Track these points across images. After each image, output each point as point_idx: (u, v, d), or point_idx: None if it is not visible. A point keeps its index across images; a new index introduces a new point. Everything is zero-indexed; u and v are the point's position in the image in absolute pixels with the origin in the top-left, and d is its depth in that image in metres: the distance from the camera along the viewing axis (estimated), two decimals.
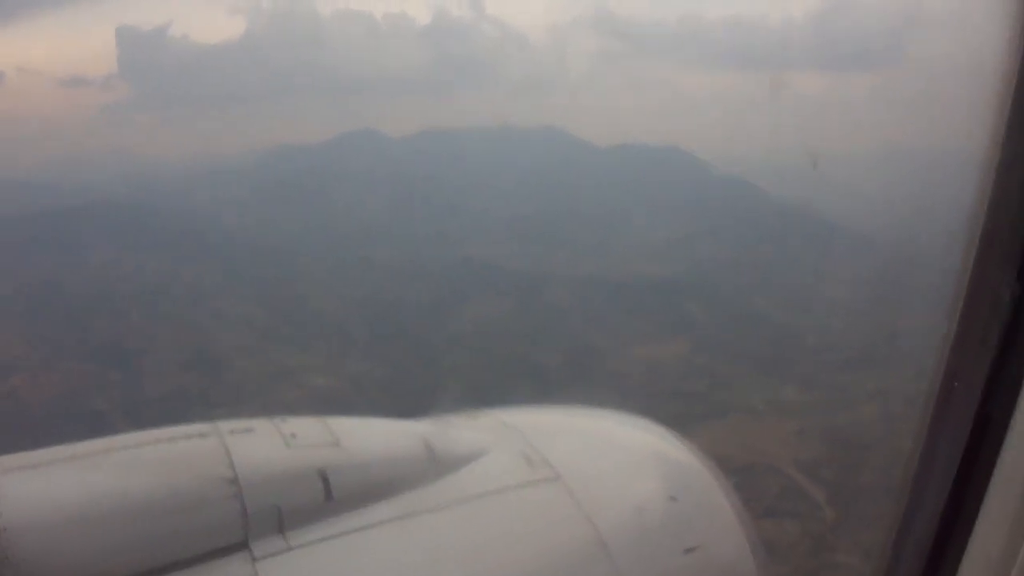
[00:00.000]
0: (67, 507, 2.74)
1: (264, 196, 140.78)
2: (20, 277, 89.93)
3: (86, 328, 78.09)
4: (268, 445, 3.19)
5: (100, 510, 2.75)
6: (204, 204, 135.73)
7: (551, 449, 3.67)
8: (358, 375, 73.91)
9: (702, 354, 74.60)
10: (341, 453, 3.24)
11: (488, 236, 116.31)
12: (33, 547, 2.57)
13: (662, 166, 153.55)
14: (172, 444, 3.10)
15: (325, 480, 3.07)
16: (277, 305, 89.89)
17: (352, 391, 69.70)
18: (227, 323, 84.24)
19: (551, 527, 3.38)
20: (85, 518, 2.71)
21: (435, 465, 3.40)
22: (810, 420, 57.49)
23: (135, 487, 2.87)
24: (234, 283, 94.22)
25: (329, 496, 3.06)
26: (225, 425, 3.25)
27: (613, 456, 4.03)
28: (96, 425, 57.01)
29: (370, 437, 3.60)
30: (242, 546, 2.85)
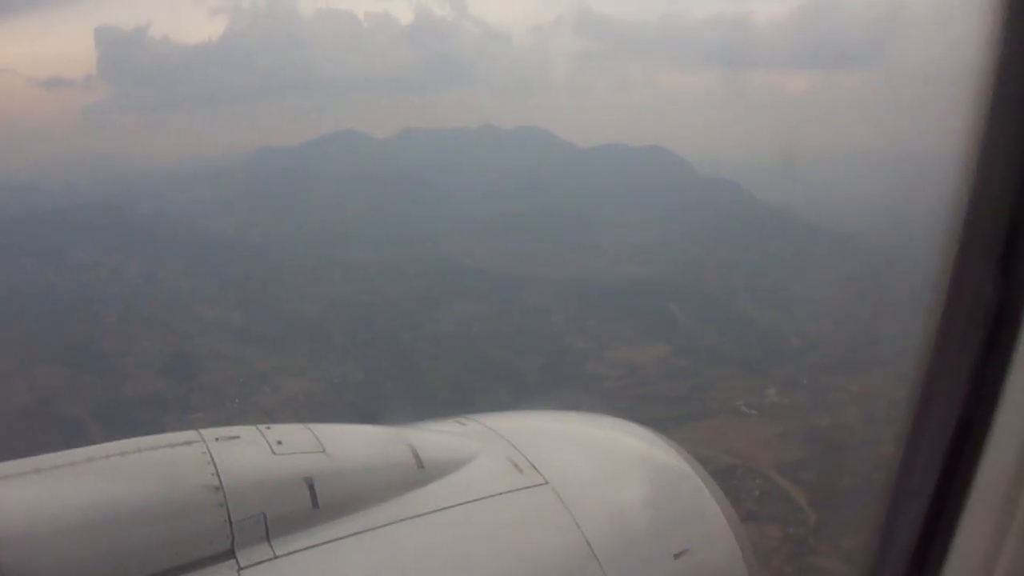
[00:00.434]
0: (53, 516, 2.71)
1: (246, 197, 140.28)
2: None
3: (61, 332, 77.30)
4: (254, 452, 3.16)
5: (85, 519, 2.72)
6: (184, 206, 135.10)
7: (539, 455, 3.66)
8: (335, 378, 73.69)
9: (683, 356, 74.89)
10: (327, 460, 3.22)
11: (469, 237, 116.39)
12: (20, 557, 2.55)
13: (645, 166, 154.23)
14: (157, 452, 3.06)
15: (311, 487, 3.06)
16: (255, 307, 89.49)
17: (330, 394, 69.48)
18: (204, 326, 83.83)
19: (539, 533, 3.38)
20: (71, 527, 2.69)
21: (422, 472, 3.38)
22: (792, 422, 57.77)
23: (120, 496, 2.84)
24: (212, 286, 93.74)
25: (315, 504, 3.04)
26: (210, 432, 3.23)
27: (601, 461, 4.04)
28: (70, 430, 56.56)
29: (356, 444, 3.58)
30: (228, 554, 2.83)
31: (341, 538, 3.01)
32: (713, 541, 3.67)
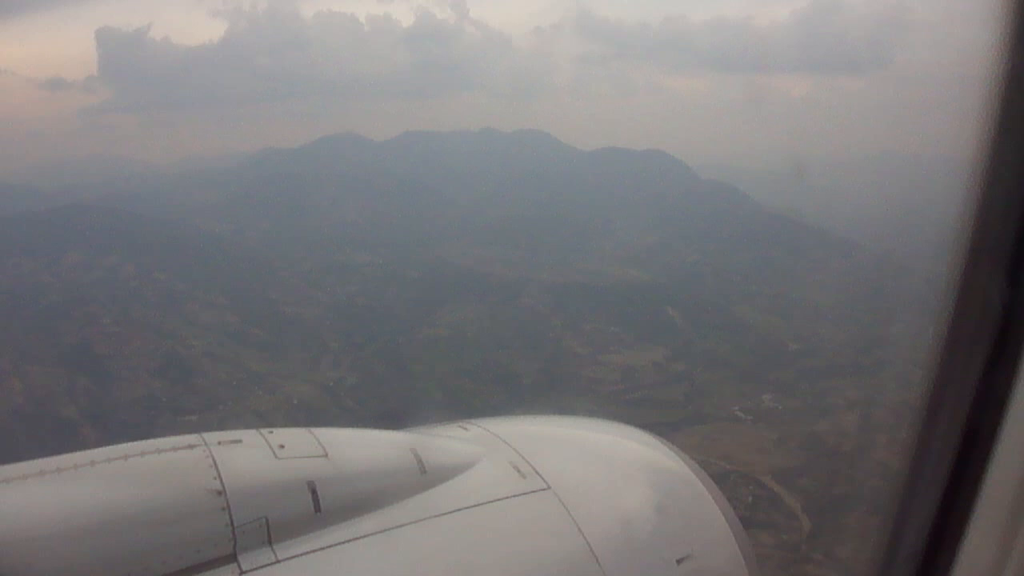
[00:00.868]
0: (56, 520, 2.70)
1: (244, 199, 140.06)
2: None
3: (56, 333, 77.08)
4: (256, 456, 3.16)
5: (88, 523, 2.71)
6: (182, 207, 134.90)
7: (541, 459, 3.66)
8: (330, 381, 73.60)
9: (680, 360, 74.88)
10: (330, 465, 3.21)
11: (468, 240, 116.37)
12: (22, 560, 2.54)
13: (645, 170, 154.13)
14: (160, 456, 3.06)
15: (314, 492, 3.06)
16: (251, 310, 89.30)
17: (325, 398, 69.39)
18: (200, 328, 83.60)
19: (542, 538, 3.37)
20: (74, 531, 2.68)
21: (425, 476, 3.38)
22: (789, 428, 57.74)
23: (122, 500, 2.84)
24: (209, 288, 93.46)
25: (318, 508, 3.03)
26: (213, 436, 3.22)
27: (603, 466, 4.02)
28: (64, 431, 56.46)
29: (359, 448, 3.57)
30: (230, 558, 2.82)
31: (343, 542, 3.00)
32: (715, 546, 3.67)
